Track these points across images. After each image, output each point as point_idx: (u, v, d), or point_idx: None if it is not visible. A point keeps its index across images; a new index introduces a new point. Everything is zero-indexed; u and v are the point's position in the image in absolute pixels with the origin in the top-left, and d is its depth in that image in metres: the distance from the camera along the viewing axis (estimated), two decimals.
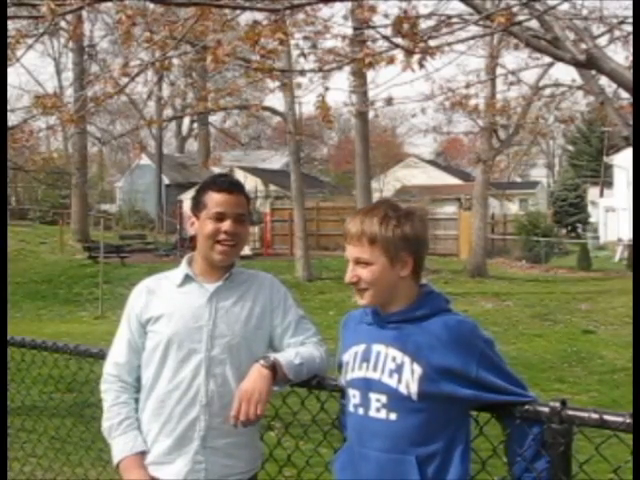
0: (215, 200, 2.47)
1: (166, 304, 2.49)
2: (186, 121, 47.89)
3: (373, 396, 2.10)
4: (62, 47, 39.89)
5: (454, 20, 5.15)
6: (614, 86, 7.07)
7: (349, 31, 6.71)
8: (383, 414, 2.08)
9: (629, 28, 6.20)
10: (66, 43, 33.87)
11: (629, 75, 4.59)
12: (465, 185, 37.38)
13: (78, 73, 27.44)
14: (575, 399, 8.15)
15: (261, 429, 2.57)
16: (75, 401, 5.62)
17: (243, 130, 46.44)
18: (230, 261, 2.53)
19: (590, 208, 44.23)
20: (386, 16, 5.49)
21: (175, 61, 15.13)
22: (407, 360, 2.06)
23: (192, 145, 51.02)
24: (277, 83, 9.72)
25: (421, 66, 4.80)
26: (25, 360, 3.68)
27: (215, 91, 12.65)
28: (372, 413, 2.10)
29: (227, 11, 6.31)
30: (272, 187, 35.09)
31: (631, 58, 6.16)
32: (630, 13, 6.24)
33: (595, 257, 28.90)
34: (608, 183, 44.10)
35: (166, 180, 42.18)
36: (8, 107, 8.79)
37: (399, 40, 4.72)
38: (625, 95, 7.18)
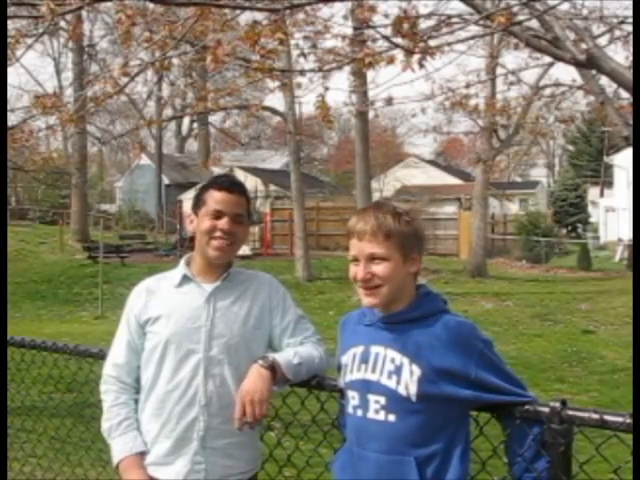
0: (215, 198, 2.48)
1: (164, 305, 2.49)
2: (186, 121, 47.99)
3: (372, 397, 2.10)
4: (62, 47, 39.97)
5: (454, 20, 5.15)
6: (614, 86, 7.07)
7: (349, 31, 6.71)
8: (382, 415, 2.07)
9: (629, 28, 6.21)
10: (66, 43, 33.91)
11: (629, 75, 4.59)
12: (465, 185, 37.37)
13: (78, 73, 27.45)
14: (575, 399, 8.14)
15: (261, 429, 2.57)
16: (75, 401, 5.61)
17: (243, 130, 46.48)
18: (225, 259, 2.52)
19: (590, 208, 44.24)
20: (386, 16, 5.50)
21: (175, 61, 15.15)
22: (406, 361, 2.05)
23: (192, 145, 51.06)
24: (277, 83, 9.70)
25: (421, 66, 4.80)
26: (25, 360, 3.68)
27: (215, 91, 12.65)
28: (371, 415, 2.09)
29: (227, 11, 6.30)
30: (272, 187, 35.09)
31: (631, 58, 6.16)
32: (630, 13, 6.23)
33: (595, 257, 28.91)
34: (608, 183, 44.10)
35: (166, 180, 42.20)
36: (8, 107, 8.79)
37: (399, 40, 4.71)
38: (625, 95, 7.18)
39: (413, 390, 2.03)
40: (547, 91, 17.82)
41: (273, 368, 2.33)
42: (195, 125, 45.03)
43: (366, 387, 2.11)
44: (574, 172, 49.99)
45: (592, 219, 43.13)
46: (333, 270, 22.16)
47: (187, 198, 29.42)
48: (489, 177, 25.11)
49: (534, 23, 5.07)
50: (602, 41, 6.11)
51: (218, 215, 2.46)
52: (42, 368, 3.64)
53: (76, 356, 3.22)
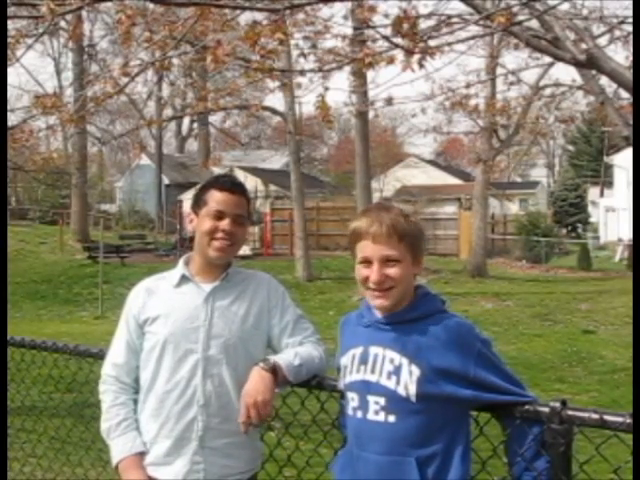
0: (216, 198, 2.48)
1: (163, 305, 2.49)
2: (186, 121, 47.98)
3: (371, 398, 2.09)
4: (62, 47, 39.95)
5: (454, 20, 5.15)
6: (614, 86, 7.08)
7: (349, 31, 6.72)
8: (382, 416, 2.07)
9: (629, 28, 6.20)
10: (66, 43, 33.90)
11: (629, 75, 4.59)
12: (465, 185, 37.35)
13: (78, 73, 27.44)
14: (575, 399, 8.14)
15: (261, 429, 2.57)
16: (75, 401, 5.61)
17: (243, 130, 46.53)
18: (226, 259, 2.53)
19: (590, 208, 44.21)
20: (386, 16, 5.50)
21: (175, 61, 15.14)
22: (405, 361, 2.05)
23: (192, 145, 51.05)
24: (277, 83, 9.72)
25: (421, 66, 4.80)
26: (25, 360, 3.68)
27: (215, 91, 12.67)
28: (371, 416, 2.09)
29: (227, 11, 6.30)
30: (272, 187, 35.10)
31: (631, 58, 6.16)
32: (630, 13, 6.23)
33: (595, 257, 28.89)
34: (608, 183, 44.09)
35: (166, 180, 42.21)
36: (8, 107, 8.79)
37: (399, 40, 4.71)
38: (625, 95, 7.18)
39: (413, 390, 2.03)
40: (547, 91, 17.87)
41: (274, 370, 2.33)
42: (195, 125, 45.01)
43: (366, 388, 2.11)
44: (574, 172, 50.00)
45: (592, 219, 43.11)
46: (333, 270, 22.17)
47: (187, 198, 29.39)
48: (489, 177, 25.09)
49: (534, 23, 5.08)
50: (602, 41, 6.12)
51: (219, 216, 2.46)
52: (42, 368, 3.65)
53: (76, 356, 3.22)
